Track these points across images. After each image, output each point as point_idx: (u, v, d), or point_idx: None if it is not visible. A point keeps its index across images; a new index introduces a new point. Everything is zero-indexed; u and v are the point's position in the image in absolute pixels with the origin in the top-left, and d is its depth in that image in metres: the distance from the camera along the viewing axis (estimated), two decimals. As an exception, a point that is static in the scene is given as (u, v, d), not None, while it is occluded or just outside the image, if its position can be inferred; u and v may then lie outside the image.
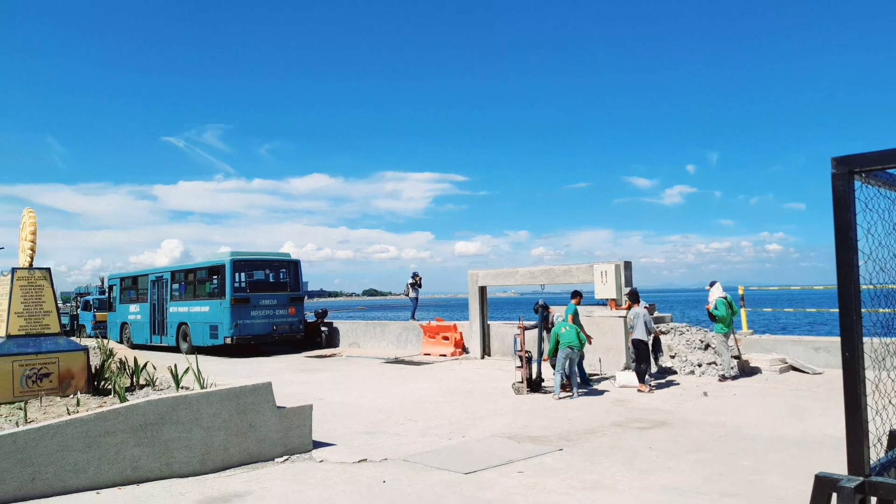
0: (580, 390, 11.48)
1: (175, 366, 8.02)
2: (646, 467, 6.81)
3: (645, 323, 11.76)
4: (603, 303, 15.02)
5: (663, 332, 14.54)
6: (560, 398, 11.17)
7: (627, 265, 14.96)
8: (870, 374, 2.58)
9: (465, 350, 18.27)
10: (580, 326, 12.08)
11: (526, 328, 12.13)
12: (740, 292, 15.72)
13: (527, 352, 11.88)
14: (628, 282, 14.74)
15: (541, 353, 12.32)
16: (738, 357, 13.14)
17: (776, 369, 12.83)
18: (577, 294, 12.82)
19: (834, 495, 2.23)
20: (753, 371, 13.08)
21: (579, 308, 12.67)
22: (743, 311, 15.04)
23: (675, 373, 13.32)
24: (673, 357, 13.79)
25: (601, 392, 11.76)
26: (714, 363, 13.08)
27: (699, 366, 13.18)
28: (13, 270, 7.73)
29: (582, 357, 11.82)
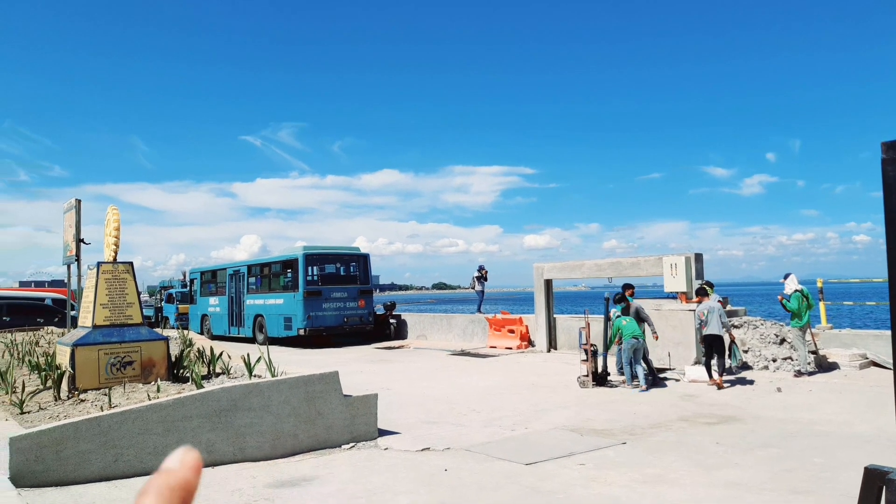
0: (645, 384, 11.34)
1: (248, 355, 8.38)
2: (711, 462, 6.70)
3: (720, 317, 11.42)
4: (673, 296, 14.72)
5: (736, 326, 14.13)
6: (630, 389, 11.17)
7: (698, 257, 14.61)
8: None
9: (530, 343, 18.24)
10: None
11: (611, 317, 12.09)
12: (819, 285, 15.10)
13: (592, 345, 11.80)
14: (699, 274, 14.40)
15: (607, 347, 12.20)
16: (815, 352, 12.65)
17: (856, 365, 12.29)
18: (628, 287, 12.68)
19: (884, 488, 2.18)
20: (831, 366, 12.57)
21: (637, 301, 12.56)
22: (822, 305, 14.44)
23: (748, 368, 12.93)
24: (746, 352, 13.39)
25: (669, 386, 11.56)
26: (790, 358, 12.63)
27: (773, 361, 12.76)
28: (98, 265, 8.22)
29: (647, 350, 11.69)
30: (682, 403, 10.04)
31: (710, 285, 13.10)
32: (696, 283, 13.62)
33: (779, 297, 12.59)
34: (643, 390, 11.14)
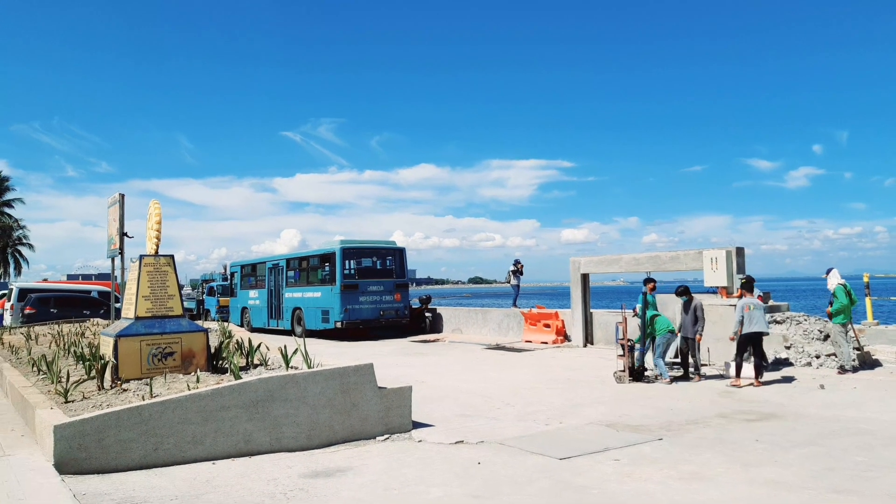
0: (667, 377, 11.48)
1: (285, 347, 8.49)
2: (750, 460, 6.57)
3: (764, 314, 11.17)
4: (713, 290, 14.47)
5: (779, 322, 13.82)
6: (668, 383, 11.20)
7: (739, 251, 14.33)
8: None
9: (566, 338, 18.12)
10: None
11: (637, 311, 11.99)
12: (865, 280, 14.69)
13: (629, 340, 11.67)
14: (741, 269, 14.12)
15: (644, 342, 12.05)
16: (859, 349, 12.31)
17: (904, 362, 11.91)
18: (649, 281, 12.55)
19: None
20: (875, 363, 12.22)
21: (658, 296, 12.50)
22: (868, 301, 14.04)
23: (790, 364, 12.65)
24: (789, 348, 13.09)
25: (708, 382, 11.38)
26: (833, 355, 12.31)
27: (817, 357, 12.45)
28: (141, 258, 8.40)
29: (697, 347, 11.60)
30: (720, 400, 9.87)
31: (752, 280, 12.82)
32: (738, 278, 13.36)
33: (827, 311, 12.28)
34: (667, 383, 11.20)
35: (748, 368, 11.36)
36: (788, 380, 11.34)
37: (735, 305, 11.62)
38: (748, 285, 11.73)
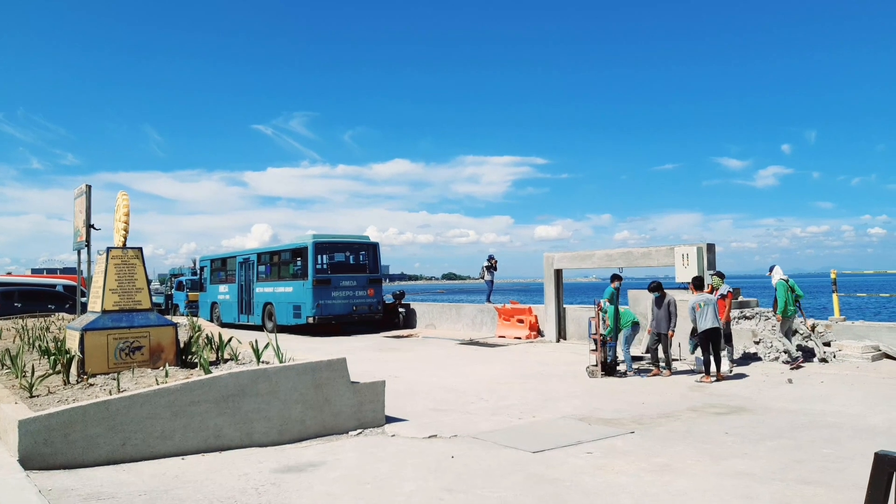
0: (631, 370, 11.88)
1: (256, 341, 8.39)
2: (720, 452, 6.65)
3: (715, 310, 11.35)
4: (684, 286, 14.63)
5: (748, 318, 14.04)
6: (633, 374, 11.49)
7: (710, 248, 14.52)
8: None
9: (540, 333, 18.20)
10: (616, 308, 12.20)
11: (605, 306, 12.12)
12: (833, 276, 14.97)
13: (602, 335, 11.76)
14: (711, 265, 14.30)
15: (615, 337, 12.15)
16: (827, 344, 12.67)
17: (868, 357, 12.17)
18: (615, 277, 12.90)
19: (894, 474, 2.14)
20: (823, 358, 12.47)
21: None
22: (835, 297, 14.30)
23: (759, 359, 12.85)
24: (758, 343, 13.30)
25: (679, 377, 11.51)
26: (801, 348, 12.54)
27: (785, 352, 12.66)
28: (108, 250, 8.23)
29: (665, 340, 11.73)
30: (691, 394, 9.98)
31: (721, 276, 13.02)
32: (709, 274, 13.54)
33: (777, 318, 12.53)
34: (632, 375, 11.61)
35: (723, 363, 11.54)
36: (757, 374, 11.51)
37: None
38: (698, 281, 11.85)
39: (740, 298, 14.31)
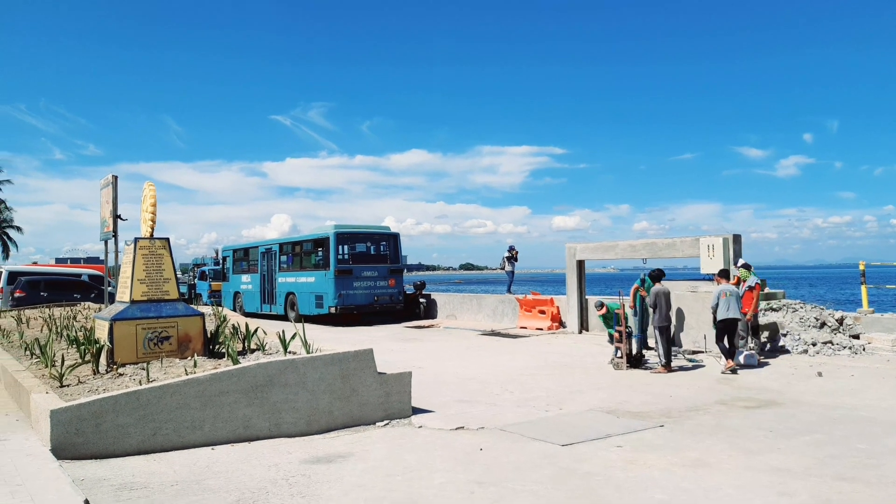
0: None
1: (283, 331, 8.39)
2: (752, 447, 6.55)
3: (738, 301, 11.39)
4: (709, 277, 14.46)
5: (775, 310, 13.84)
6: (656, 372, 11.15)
7: (736, 238, 14.31)
8: None
9: (561, 324, 18.10)
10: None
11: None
12: (861, 268, 14.72)
13: (627, 327, 11.64)
14: (737, 256, 14.09)
15: (643, 329, 12.05)
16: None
17: (900, 350, 11.96)
18: (661, 274, 12.38)
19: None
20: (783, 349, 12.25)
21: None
22: (863, 288, 14.07)
23: (787, 352, 12.67)
24: (785, 335, 13.12)
25: (705, 369, 11.37)
26: (830, 342, 12.35)
27: (813, 345, 12.48)
28: (136, 240, 8.27)
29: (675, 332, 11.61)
30: (718, 387, 9.86)
31: (748, 267, 12.84)
32: (734, 265, 13.37)
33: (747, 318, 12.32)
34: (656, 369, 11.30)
35: (745, 353, 11.46)
36: (785, 367, 11.35)
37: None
38: (725, 273, 11.88)
39: (766, 290, 14.12)
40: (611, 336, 12.22)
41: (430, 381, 10.28)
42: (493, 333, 17.76)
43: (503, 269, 23.13)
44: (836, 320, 13.11)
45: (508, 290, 22.14)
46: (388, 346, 15.20)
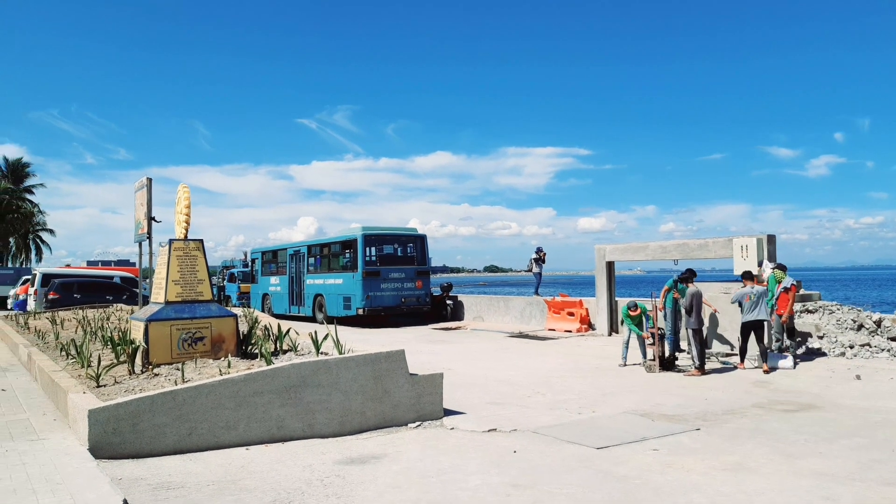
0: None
1: (315, 332, 8.41)
2: (793, 451, 6.41)
3: (766, 304, 11.31)
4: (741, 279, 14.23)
5: (811, 311, 13.57)
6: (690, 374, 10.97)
7: (771, 239, 14.06)
8: None
9: (591, 326, 17.94)
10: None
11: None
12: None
13: (660, 329, 11.49)
14: (771, 257, 13.86)
15: (675, 331, 11.88)
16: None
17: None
18: (692, 275, 12.21)
19: None
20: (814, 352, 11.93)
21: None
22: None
23: (823, 354, 12.41)
24: (821, 338, 12.84)
25: (740, 372, 11.18)
26: (868, 345, 12.07)
27: (850, 347, 12.20)
28: (170, 242, 8.35)
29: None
30: (755, 390, 9.69)
31: (783, 268, 12.61)
32: (758, 266, 13.16)
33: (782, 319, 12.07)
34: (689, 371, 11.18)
35: (782, 357, 11.28)
36: (822, 370, 11.11)
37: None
38: (748, 274, 11.66)
39: (801, 292, 13.85)
40: (640, 339, 12.06)
41: (460, 382, 10.24)
42: (522, 335, 17.67)
43: (530, 270, 23.01)
44: (874, 322, 12.81)
45: (536, 292, 22.01)
46: (417, 347, 15.18)
